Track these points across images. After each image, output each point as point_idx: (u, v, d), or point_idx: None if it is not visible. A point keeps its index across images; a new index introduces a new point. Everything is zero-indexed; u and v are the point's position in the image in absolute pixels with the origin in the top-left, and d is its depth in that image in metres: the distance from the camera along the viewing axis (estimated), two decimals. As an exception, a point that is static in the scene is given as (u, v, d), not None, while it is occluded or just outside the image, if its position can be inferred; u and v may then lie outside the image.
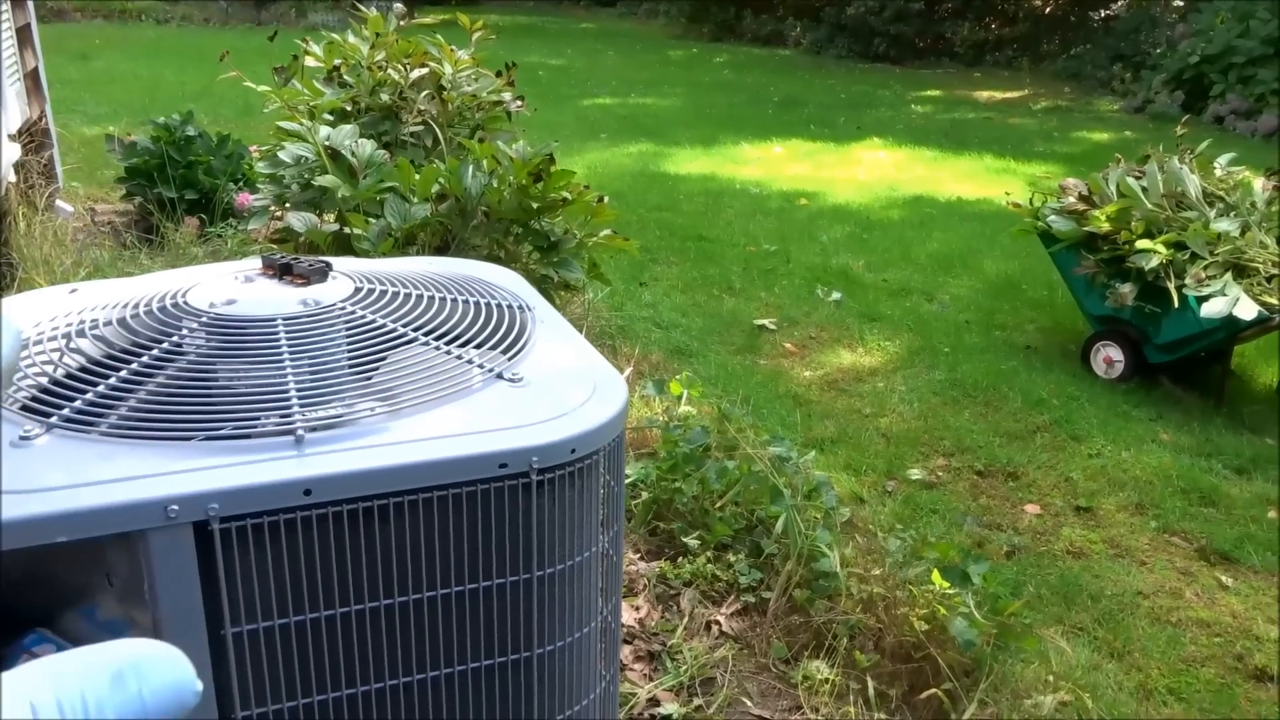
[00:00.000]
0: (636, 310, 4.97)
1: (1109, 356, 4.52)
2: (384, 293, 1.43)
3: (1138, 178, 4.44)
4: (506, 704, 1.26)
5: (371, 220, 3.31)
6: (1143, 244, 4.18)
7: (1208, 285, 4.02)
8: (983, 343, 4.90)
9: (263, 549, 1.08)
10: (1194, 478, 3.68)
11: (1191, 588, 3.07)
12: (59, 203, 5.01)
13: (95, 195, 5.84)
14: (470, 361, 1.32)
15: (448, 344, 1.35)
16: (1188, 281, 4.07)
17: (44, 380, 1.23)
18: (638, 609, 2.58)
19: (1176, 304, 4.09)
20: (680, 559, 2.75)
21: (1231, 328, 4.01)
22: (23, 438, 1.10)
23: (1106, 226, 4.34)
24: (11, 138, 4.28)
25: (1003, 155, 9.28)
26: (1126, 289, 4.28)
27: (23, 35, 4.80)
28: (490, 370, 1.31)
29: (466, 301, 1.48)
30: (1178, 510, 3.49)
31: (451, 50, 4.24)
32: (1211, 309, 3.95)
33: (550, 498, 1.20)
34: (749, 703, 2.31)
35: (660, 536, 2.89)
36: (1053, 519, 3.41)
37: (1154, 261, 4.11)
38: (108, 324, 1.34)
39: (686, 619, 2.55)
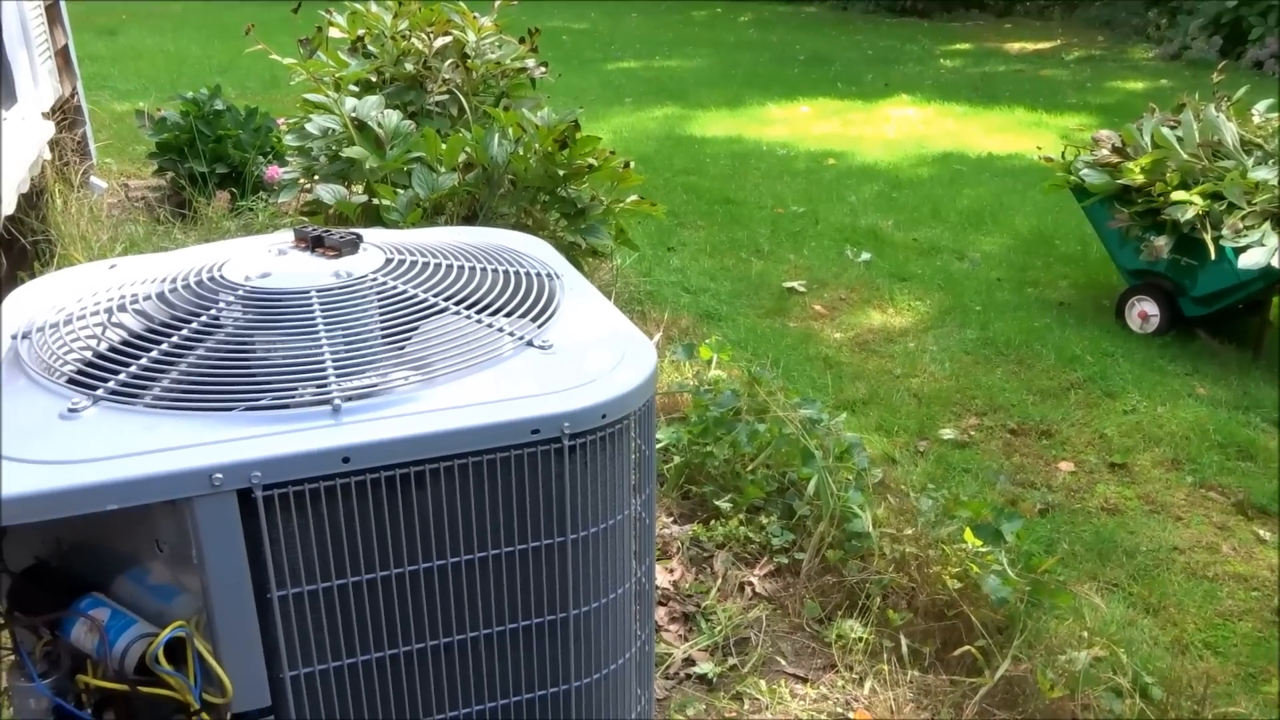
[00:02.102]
0: (665, 275, 4.97)
1: (1144, 311, 4.47)
2: (414, 263, 1.45)
3: (1172, 127, 4.36)
4: (544, 663, 1.29)
5: (399, 190, 3.33)
6: (1178, 195, 4.11)
7: (1245, 235, 3.96)
8: (1015, 300, 4.86)
9: (305, 515, 1.11)
10: (1231, 431, 3.65)
11: (1228, 542, 3.06)
12: (93, 179, 5.07)
13: (128, 171, 5.91)
14: (501, 329, 1.34)
15: (478, 313, 1.37)
16: (1225, 232, 4.01)
17: (89, 354, 1.26)
18: (672, 571, 2.61)
19: (1213, 255, 4.03)
20: (713, 521, 2.77)
21: (1270, 278, 3.95)
22: (71, 410, 1.14)
23: (1140, 178, 4.27)
24: (45, 115, 4.33)
25: (1034, 108, 9.13)
26: (1161, 242, 4.22)
27: (51, 13, 4.84)
28: (520, 338, 1.33)
29: (496, 270, 1.50)
30: (1215, 464, 3.47)
31: (474, 17, 4.23)
32: (1250, 259, 3.89)
33: (582, 462, 1.22)
34: (783, 662, 2.34)
35: (693, 499, 2.91)
36: (1087, 476, 3.40)
37: (1190, 213, 4.04)
38: (147, 298, 1.37)
39: (720, 580, 2.57)
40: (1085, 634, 2.40)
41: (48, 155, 4.28)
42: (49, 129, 4.23)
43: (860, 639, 2.36)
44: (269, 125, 5.23)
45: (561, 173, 3.45)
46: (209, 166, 5.02)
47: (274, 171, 4.54)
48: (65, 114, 4.86)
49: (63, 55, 5.01)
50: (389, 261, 1.44)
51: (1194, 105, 4.42)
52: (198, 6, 14.88)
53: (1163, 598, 2.77)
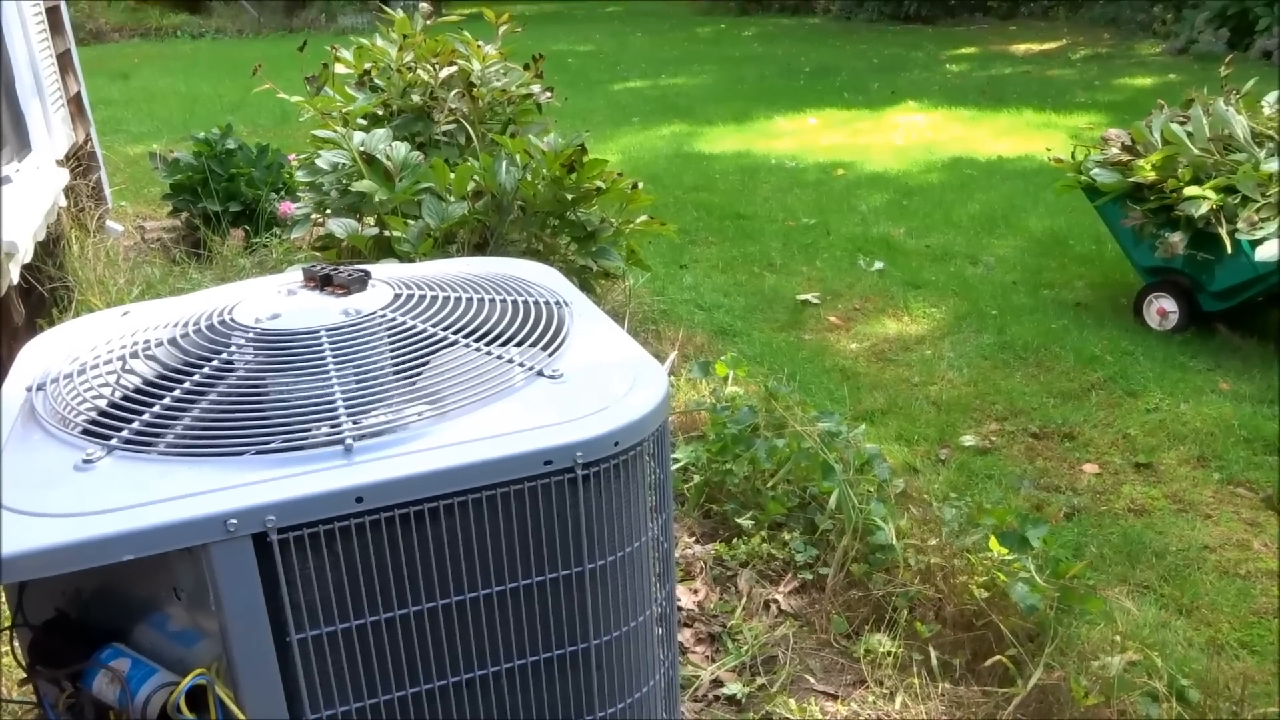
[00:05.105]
0: (678, 293, 4.97)
1: (1162, 308, 4.43)
2: (423, 297, 1.46)
3: (1182, 123, 4.33)
4: (568, 695, 1.28)
5: (410, 221, 3.35)
6: (1191, 191, 4.08)
7: (1261, 228, 3.92)
8: (1031, 303, 4.83)
9: (320, 556, 1.11)
10: (1257, 426, 3.61)
11: (1260, 538, 3.02)
12: (109, 223, 5.13)
13: (143, 213, 5.97)
14: (511, 361, 1.34)
15: (488, 344, 1.37)
16: (1240, 226, 3.97)
17: (102, 403, 1.27)
18: (696, 592, 2.60)
19: (1229, 250, 3.99)
20: (735, 540, 2.76)
21: (1288, 271, 3.91)
22: (86, 461, 1.14)
23: (1152, 175, 4.25)
24: (60, 163, 4.39)
25: (1043, 109, 9.10)
26: (1177, 238, 4.19)
27: (63, 61, 4.91)
28: (531, 368, 1.33)
29: (504, 301, 1.50)
30: (1241, 460, 3.42)
31: (479, 45, 4.26)
32: (1266, 252, 3.85)
33: (597, 491, 1.22)
34: (812, 679, 2.32)
35: (714, 518, 2.90)
36: (1112, 477, 3.37)
37: (1204, 208, 4.01)
38: (159, 344, 1.38)
39: (745, 599, 2.56)
40: (1118, 638, 2.37)
41: (63, 202, 4.33)
42: (64, 176, 4.29)
43: (889, 653, 2.34)
44: (281, 162, 5.28)
45: (570, 196, 3.46)
46: (223, 205, 5.07)
47: (286, 207, 4.58)
48: (80, 160, 4.92)
49: (75, 102, 5.08)
50: (397, 297, 1.45)
51: (1203, 100, 4.39)
52: (208, 46, 15.08)
53: (1195, 598, 2.73)
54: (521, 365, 1.33)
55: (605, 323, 1.50)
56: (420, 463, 1.13)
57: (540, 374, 1.32)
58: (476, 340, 1.38)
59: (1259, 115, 4.36)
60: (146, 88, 10.98)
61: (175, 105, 9.90)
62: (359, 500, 1.10)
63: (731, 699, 2.25)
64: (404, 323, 1.38)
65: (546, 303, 1.52)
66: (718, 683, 2.30)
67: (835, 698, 2.27)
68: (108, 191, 5.57)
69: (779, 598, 2.57)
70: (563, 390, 1.29)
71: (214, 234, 4.83)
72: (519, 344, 1.39)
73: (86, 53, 5.45)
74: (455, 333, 1.38)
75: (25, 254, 3.41)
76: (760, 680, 2.31)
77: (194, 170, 5.15)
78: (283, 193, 5.09)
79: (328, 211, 3.62)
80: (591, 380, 1.32)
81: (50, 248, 4.04)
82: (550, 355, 1.37)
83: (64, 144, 4.58)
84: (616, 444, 1.21)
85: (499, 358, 1.34)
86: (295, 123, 7.15)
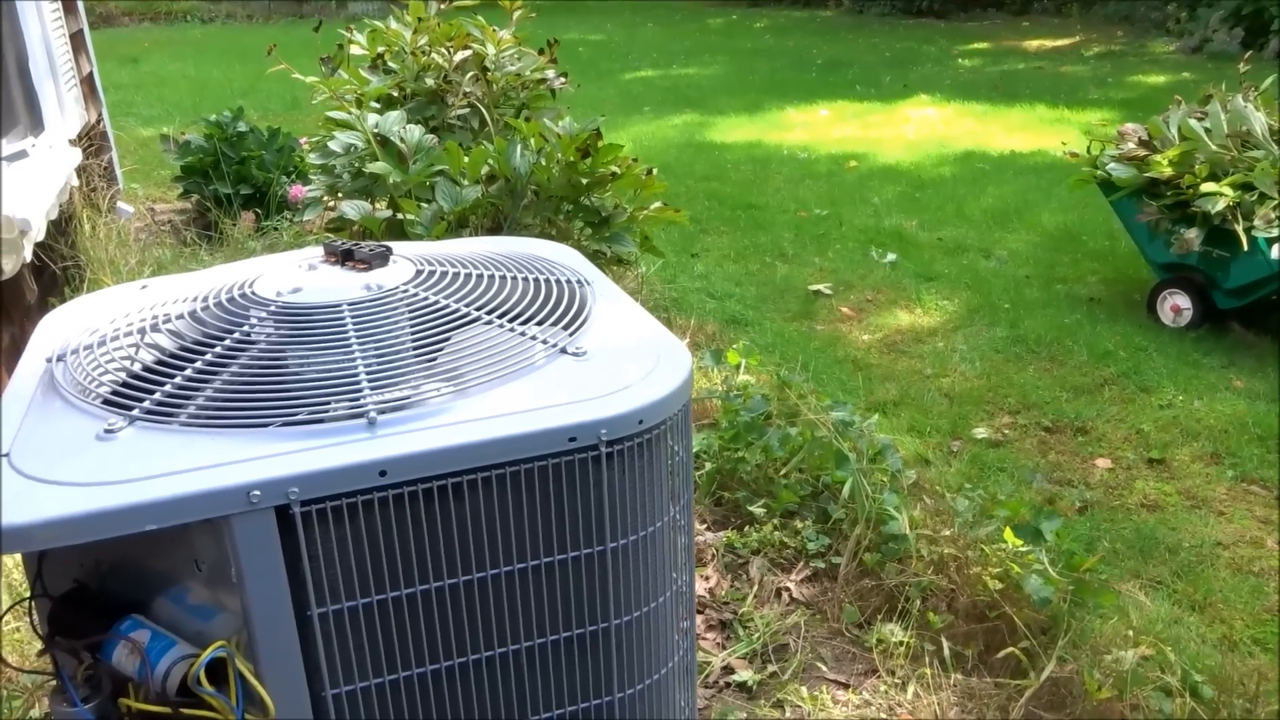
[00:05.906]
0: (689, 282, 4.95)
1: (1176, 304, 4.41)
2: (445, 274, 1.45)
3: (1200, 119, 4.30)
4: (589, 675, 1.27)
5: (423, 205, 3.33)
6: (1208, 187, 4.05)
7: (1277, 225, 3.90)
8: (1044, 297, 4.80)
9: (343, 530, 1.10)
10: (1270, 424, 3.59)
11: (1273, 536, 3.00)
12: (120, 204, 5.12)
13: (154, 195, 5.97)
14: (533, 338, 1.33)
15: (510, 321, 1.36)
16: (1256, 223, 3.95)
17: (123, 375, 1.26)
18: (707, 579, 2.59)
19: (1245, 247, 3.97)
20: (747, 528, 2.75)
21: (1305, 268, 3.89)
22: (108, 431, 1.13)
23: (1169, 171, 4.22)
24: (72, 142, 4.38)
25: (1056, 105, 9.06)
26: (1192, 234, 4.16)
27: (76, 41, 4.90)
28: (553, 345, 1.31)
29: (526, 279, 1.49)
30: (1255, 458, 3.40)
31: (493, 31, 4.24)
32: (1283, 250, 3.83)
33: (620, 469, 1.21)
34: (824, 668, 2.31)
35: (726, 506, 2.89)
36: (1125, 472, 3.35)
37: (1220, 204, 3.98)
38: (180, 317, 1.37)
39: (756, 587, 2.55)
40: (1131, 633, 2.35)
41: (75, 182, 4.32)
42: (76, 156, 4.28)
43: (901, 643, 2.33)
44: (292, 145, 5.27)
45: (585, 181, 3.44)
46: (233, 188, 5.06)
47: (298, 190, 4.57)
48: (92, 140, 4.91)
49: (88, 83, 5.07)
50: (419, 273, 1.44)
51: (1221, 96, 4.36)
52: (218, 32, 15.06)
53: (1208, 594, 2.72)
54: (544, 343, 1.32)
55: (627, 302, 1.49)
56: (445, 437, 1.12)
57: (563, 351, 1.30)
58: (499, 317, 1.36)
59: (1276, 113, 4.33)
60: (156, 72, 10.97)
61: (185, 90, 9.89)
62: (382, 474, 1.09)
63: (743, 686, 2.24)
64: (426, 298, 1.36)
65: (568, 281, 1.50)
66: (729, 670, 2.29)
67: (847, 686, 2.26)
68: (119, 172, 5.56)
69: (790, 586, 2.56)
70: (586, 368, 1.28)
71: (224, 217, 4.82)
72: (541, 322, 1.38)
73: (96, 37, 5.44)
74: (477, 309, 1.37)
75: (38, 232, 3.40)
76: (771, 668, 2.30)
77: (205, 153, 5.14)
78: (293, 176, 5.08)
79: (340, 195, 3.61)
80: (615, 358, 1.30)
81: (62, 226, 4.04)
82: (572, 333, 1.36)
83: (76, 123, 4.57)
84: (641, 422, 1.20)
85: (521, 335, 1.33)
86: (306, 108, 7.13)
